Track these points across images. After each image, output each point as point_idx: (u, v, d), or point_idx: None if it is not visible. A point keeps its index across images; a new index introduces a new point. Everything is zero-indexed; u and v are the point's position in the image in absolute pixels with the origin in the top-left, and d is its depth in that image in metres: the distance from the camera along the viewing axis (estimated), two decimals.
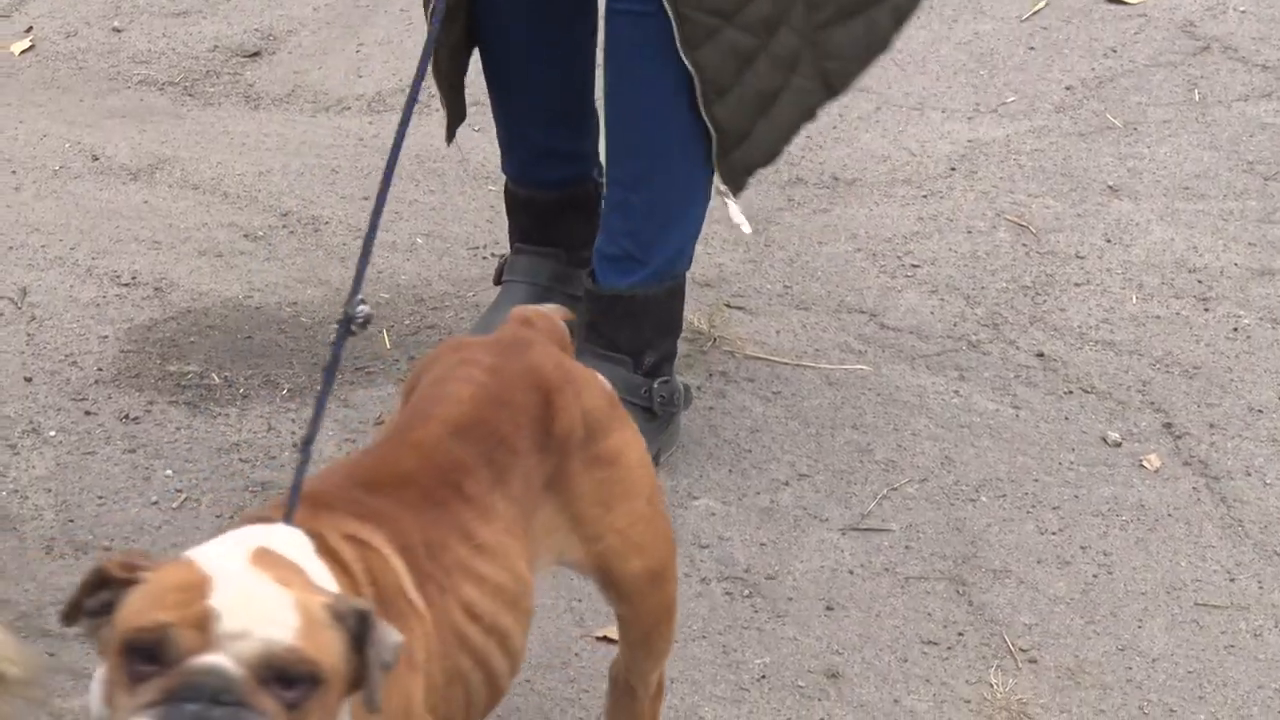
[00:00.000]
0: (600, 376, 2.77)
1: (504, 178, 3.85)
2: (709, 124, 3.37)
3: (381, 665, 2.21)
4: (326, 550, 2.37)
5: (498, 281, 3.83)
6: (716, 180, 3.46)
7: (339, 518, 2.45)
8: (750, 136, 3.42)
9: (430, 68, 3.48)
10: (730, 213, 3.59)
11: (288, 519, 2.38)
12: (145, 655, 2.11)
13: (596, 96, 3.68)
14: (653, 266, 3.51)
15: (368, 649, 2.19)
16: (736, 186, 3.49)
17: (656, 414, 3.54)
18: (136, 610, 2.14)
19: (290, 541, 2.32)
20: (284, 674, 2.13)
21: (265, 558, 2.23)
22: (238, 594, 2.15)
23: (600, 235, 3.57)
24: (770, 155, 3.47)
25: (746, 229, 3.76)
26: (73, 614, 2.21)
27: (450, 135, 3.78)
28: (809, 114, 3.47)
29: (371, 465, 2.60)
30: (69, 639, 3.08)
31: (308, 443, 2.51)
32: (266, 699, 2.12)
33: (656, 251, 3.51)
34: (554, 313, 2.83)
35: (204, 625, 2.11)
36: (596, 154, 3.79)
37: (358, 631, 2.19)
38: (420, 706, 2.44)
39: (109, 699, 2.15)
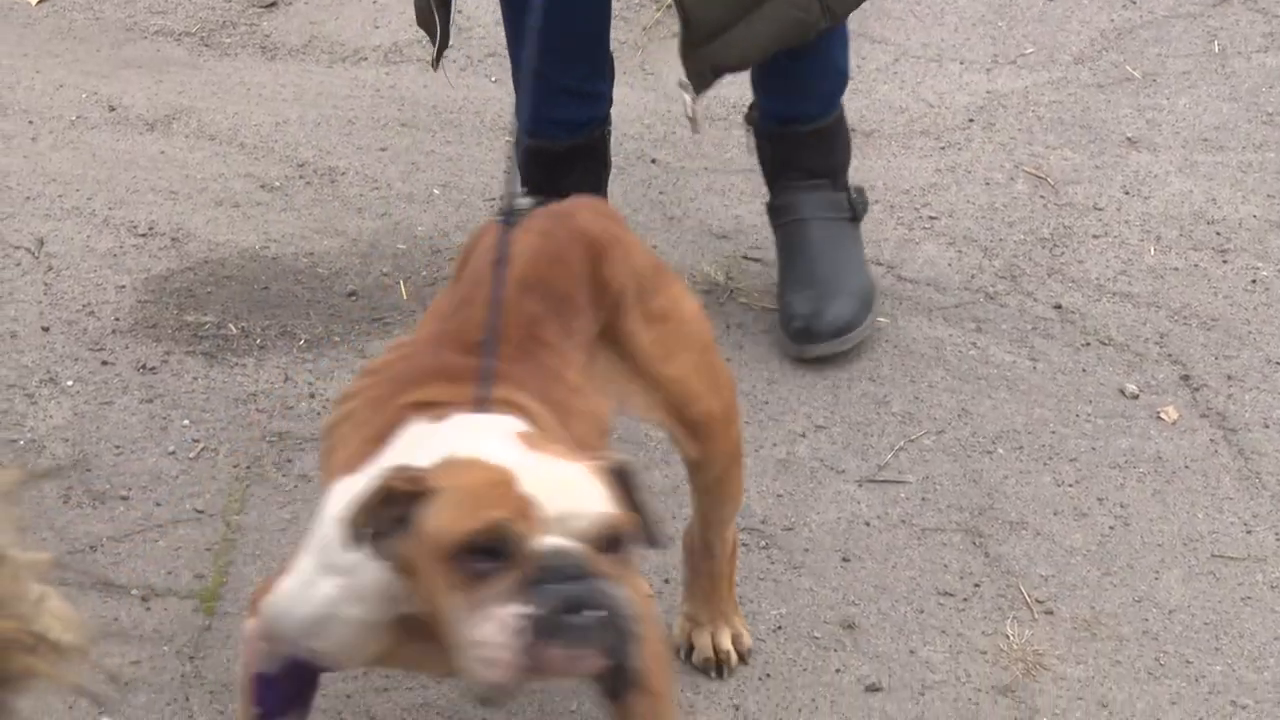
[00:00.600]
0: (641, 241, 2.89)
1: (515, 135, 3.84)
2: (677, 8, 3.36)
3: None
4: (523, 412, 2.52)
5: None
6: (680, 73, 3.44)
7: (495, 385, 2.56)
8: (725, 35, 3.41)
9: None
10: (685, 107, 3.50)
11: (482, 404, 2.51)
12: (484, 553, 2.24)
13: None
14: (822, 103, 3.76)
15: (639, 497, 2.38)
16: (700, 84, 3.49)
17: (858, 217, 3.84)
18: (458, 515, 2.27)
19: (510, 422, 2.46)
20: (610, 540, 2.30)
21: (529, 439, 2.39)
22: (543, 479, 2.30)
23: (762, 95, 3.76)
24: (743, 61, 3.49)
25: (696, 131, 3.71)
26: (360, 535, 2.30)
27: (437, 62, 3.75)
28: (800, 33, 3.47)
29: (456, 330, 2.70)
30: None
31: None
32: (608, 567, 2.28)
33: (819, 96, 3.77)
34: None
35: (528, 514, 2.26)
36: (610, 96, 3.79)
37: (627, 484, 2.37)
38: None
39: (436, 600, 2.28)
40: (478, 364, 2.57)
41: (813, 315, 3.69)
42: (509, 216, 2.68)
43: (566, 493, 2.30)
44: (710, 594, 3.06)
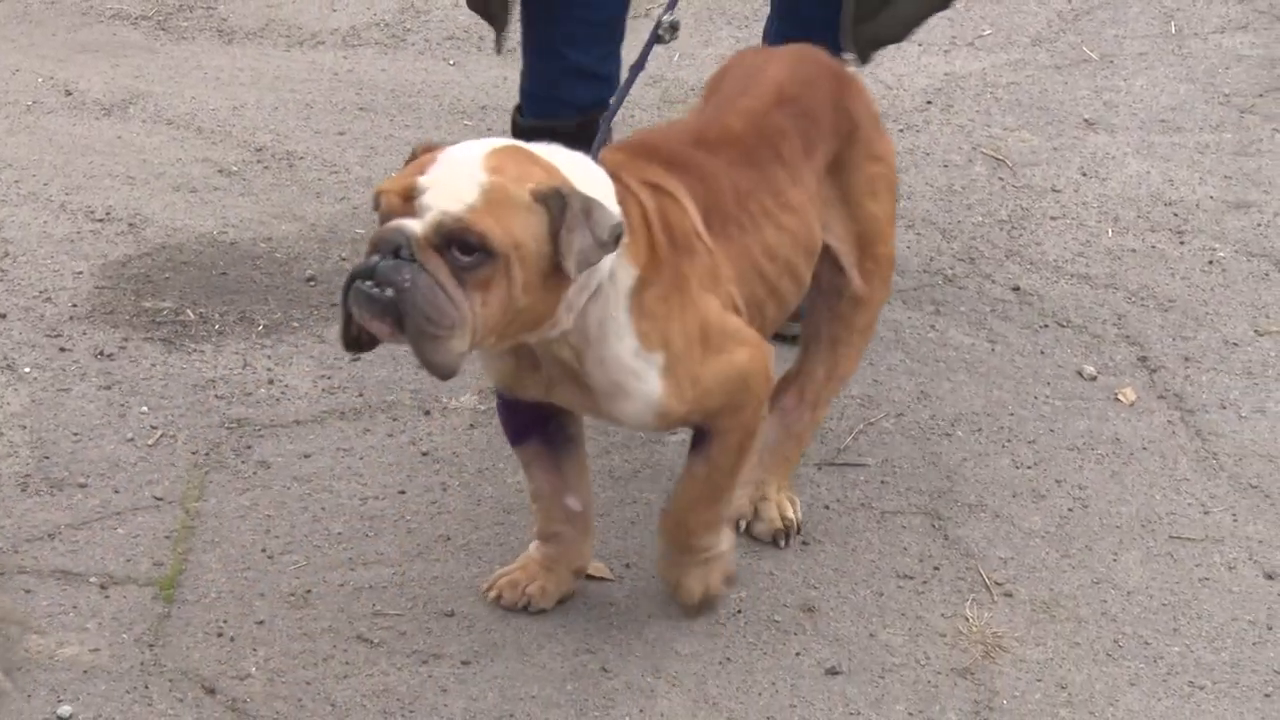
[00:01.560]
0: None
1: (509, 121, 3.85)
2: None
3: (598, 244, 2.60)
4: (626, 191, 2.75)
5: None
6: (844, 45, 3.61)
7: (648, 166, 2.85)
8: (886, 11, 3.62)
9: None
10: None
11: (594, 154, 2.80)
12: (380, 218, 2.61)
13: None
14: None
15: (562, 229, 2.57)
16: (864, 56, 3.68)
17: None
18: (384, 180, 2.69)
19: (589, 172, 2.70)
20: (460, 242, 2.54)
21: (507, 153, 2.63)
22: (444, 174, 2.58)
23: None
24: (900, 35, 3.70)
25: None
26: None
27: (500, 46, 3.78)
28: (943, 3, 3.71)
29: (701, 125, 3.02)
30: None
31: (637, 68, 3.05)
32: (436, 258, 2.54)
33: None
34: None
35: (410, 196, 2.57)
36: (618, 78, 3.79)
37: (557, 211, 2.58)
38: (718, 314, 2.85)
39: None
40: (688, 153, 2.93)
41: None
42: (666, 32, 3.07)
43: (441, 190, 2.56)
44: (787, 461, 3.24)
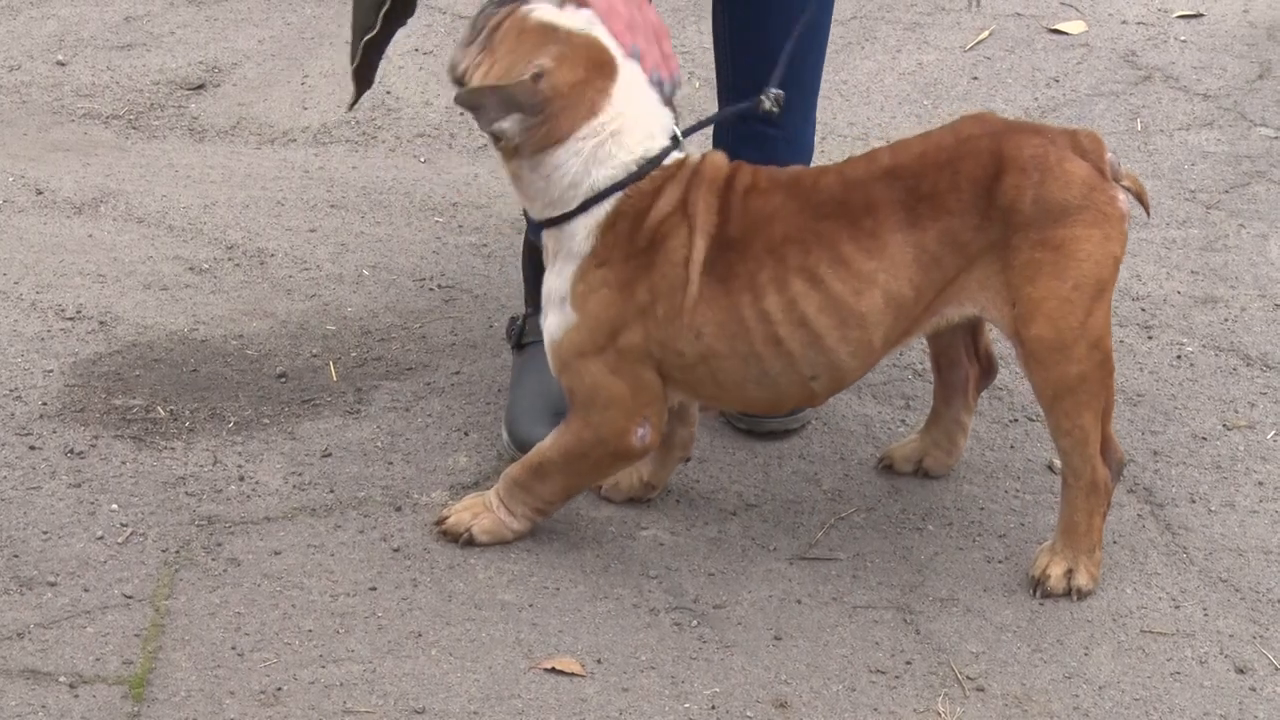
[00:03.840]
0: (1086, 176, 3.20)
1: (521, 239, 3.86)
2: None
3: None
4: (671, 184, 3.21)
5: (516, 345, 3.79)
6: None
7: (710, 183, 3.22)
8: None
9: (355, 36, 3.56)
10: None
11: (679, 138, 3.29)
12: None
13: None
14: None
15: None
16: None
17: None
18: None
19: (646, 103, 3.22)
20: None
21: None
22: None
23: None
24: None
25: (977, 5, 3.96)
26: None
27: (353, 105, 3.75)
28: None
29: (800, 175, 3.26)
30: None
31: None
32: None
33: None
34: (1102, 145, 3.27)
35: None
36: None
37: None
38: (626, 336, 3.19)
39: None
40: (763, 192, 3.26)
41: None
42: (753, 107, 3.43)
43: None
44: (1066, 525, 3.34)
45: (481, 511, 3.40)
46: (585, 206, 3.21)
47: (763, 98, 3.37)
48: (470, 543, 3.38)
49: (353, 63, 3.67)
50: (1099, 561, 3.35)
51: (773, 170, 3.29)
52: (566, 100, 3.14)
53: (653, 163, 3.21)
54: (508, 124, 3.14)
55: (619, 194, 3.21)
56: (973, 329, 3.49)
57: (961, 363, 3.54)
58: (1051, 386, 3.23)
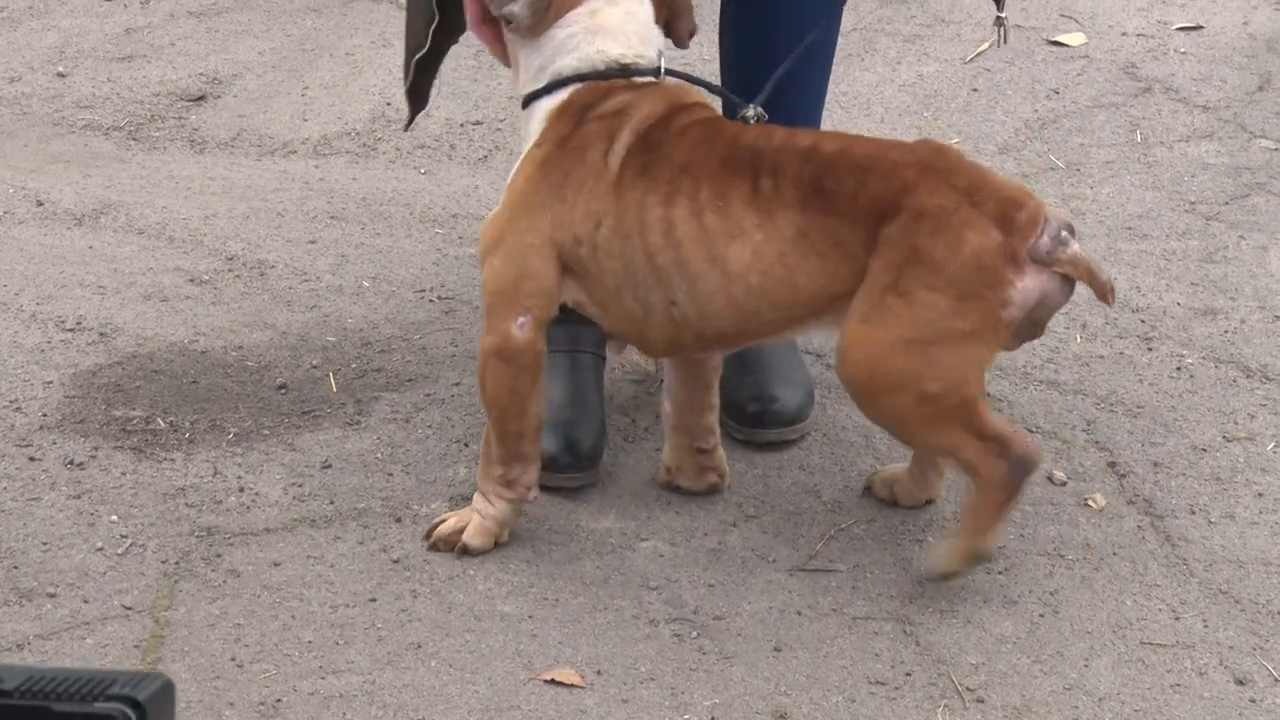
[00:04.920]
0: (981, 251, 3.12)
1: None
2: None
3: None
4: (616, 92, 3.27)
5: None
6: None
7: (659, 98, 3.28)
8: None
9: (408, 55, 3.60)
10: (1000, 32, 3.80)
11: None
12: None
13: None
14: None
15: None
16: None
17: None
18: None
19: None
20: None
21: None
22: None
23: None
24: None
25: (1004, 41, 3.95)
26: None
27: (409, 124, 3.84)
28: None
29: (731, 124, 3.33)
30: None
31: None
32: None
33: None
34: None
35: None
36: None
37: None
38: (533, 218, 3.26)
39: None
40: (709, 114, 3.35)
41: (767, 400, 3.71)
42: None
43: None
44: (962, 517, 3.37)
45: (467, 517, 3.41)
46: (550, 89, 3.31)
47: (744, 113, 3.39)
48: (465, 551, 3.38)
49: (405, 83, 3.71)
50: (990, 549, 3.33)
51: (717, 115, 3.36)
52: None
53: (622, 71, 3.30)
54: (517, 7, 3.26)
55: (576, 84, 3.29)
56: None
57: None
58: (877, 420, 3.31)
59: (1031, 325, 3.19)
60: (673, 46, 3.45)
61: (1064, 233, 3.14)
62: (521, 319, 3.27)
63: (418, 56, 3.65)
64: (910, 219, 3.11)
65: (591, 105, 3.28)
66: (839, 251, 3.16)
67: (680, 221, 3.19)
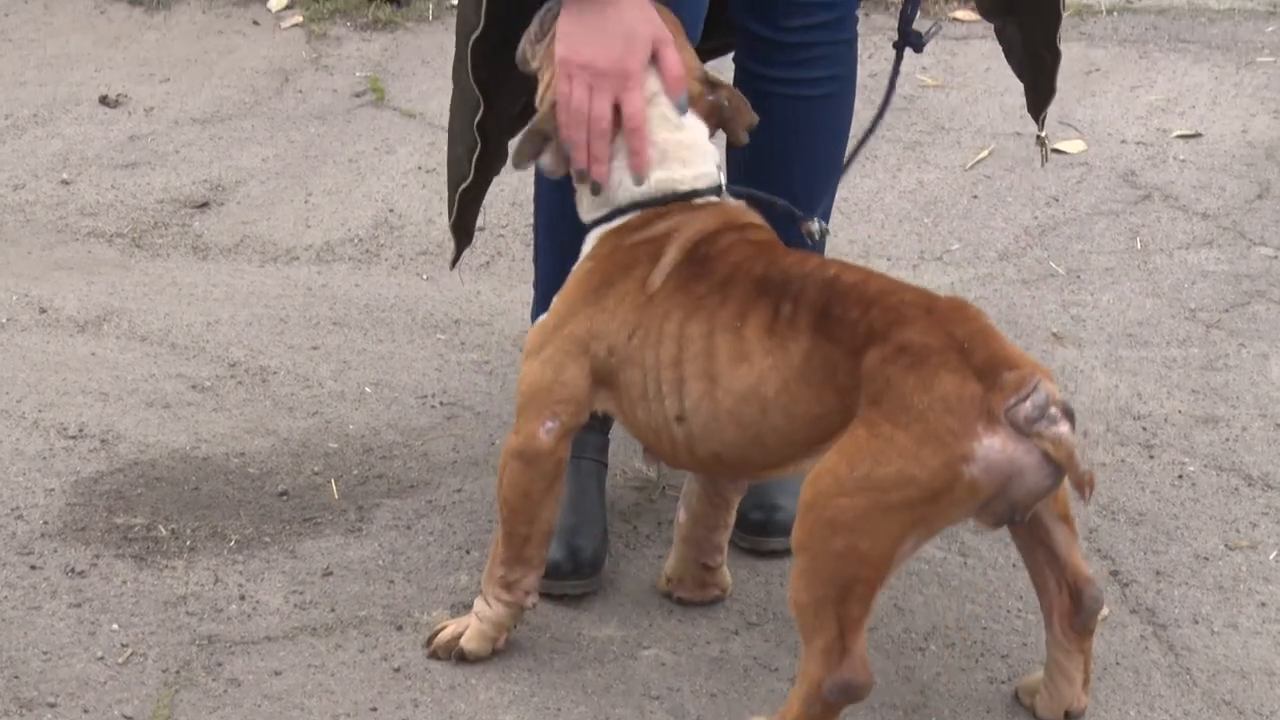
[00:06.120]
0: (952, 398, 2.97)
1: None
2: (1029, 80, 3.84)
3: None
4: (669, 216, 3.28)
5: None
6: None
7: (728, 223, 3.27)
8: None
9: (450, 188, 3.59)
10: (1042, 151, 3.95)
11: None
12: None
13: None
14: None
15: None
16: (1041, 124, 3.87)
17: None
18: None
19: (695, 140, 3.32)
20: None
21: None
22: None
23: None
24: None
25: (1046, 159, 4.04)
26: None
27: (455, 262, 3.84)
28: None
29: (777, 246, 3.28)
30: None
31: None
32: None
33: None
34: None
35: None
36: None
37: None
38: (571, 325, 3.26)
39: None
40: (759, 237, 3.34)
41: (770, 509, 3.71)
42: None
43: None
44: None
45: (466, 622, 3.40)
46: (610, 217, 3.31)
47: (810, 227, 3.44)
48: (462, 656, 3.37)
49: (450, 217, 3.68)
50: None
51: (769, 236, 3.31)
52: None
53: (681, 197, 3.28)
54: (546, 160, 3.29)
55: (635, 212, 3.29)
56: (1049, 545, 3.20)
57: (1046, 588, 3.24)
58: (795, 544, 3.06)
59: (1008, 505, 3.00)
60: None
61: (1054, 409, 2.94)
62: (550, 423, 3.27)
63: (461, 188, 3.58)
64: (893, 350, 2.99)
65: (647, 224, 3.26)
66: (832, 382, 3.05)
67: (695, 338, 3.15)
